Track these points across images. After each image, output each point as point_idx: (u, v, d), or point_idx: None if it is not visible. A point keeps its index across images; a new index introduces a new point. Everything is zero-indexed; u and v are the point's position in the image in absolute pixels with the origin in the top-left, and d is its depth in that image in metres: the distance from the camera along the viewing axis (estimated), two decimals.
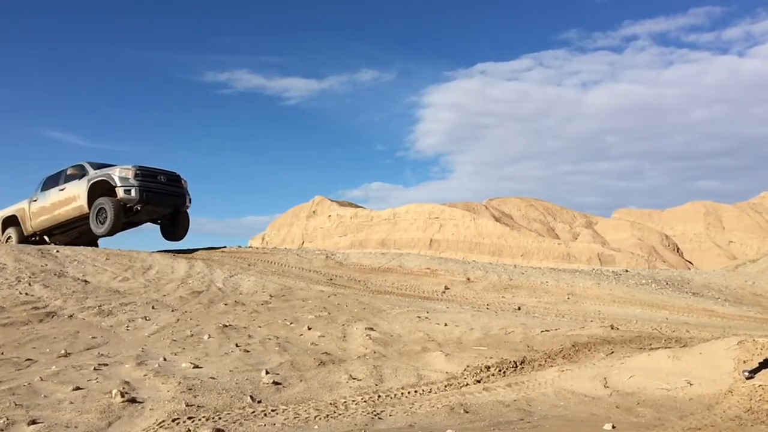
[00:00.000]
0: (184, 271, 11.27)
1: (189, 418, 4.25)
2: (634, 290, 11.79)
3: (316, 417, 4.38)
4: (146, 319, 7.77)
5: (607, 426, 4.05)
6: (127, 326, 7.45)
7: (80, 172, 14.70)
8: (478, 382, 5.39)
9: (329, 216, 73.26)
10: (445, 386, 5.28)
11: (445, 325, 7.68)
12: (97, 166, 14.88)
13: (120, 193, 13.91)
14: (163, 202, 14.67)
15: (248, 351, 6.27)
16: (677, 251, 65.34)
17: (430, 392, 5.11)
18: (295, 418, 4.35)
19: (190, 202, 15.29)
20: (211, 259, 13.03)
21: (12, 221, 16.38)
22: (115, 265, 11.35)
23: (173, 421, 4.19)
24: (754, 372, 4.80)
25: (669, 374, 5.09)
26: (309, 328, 7.37)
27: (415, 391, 5.11)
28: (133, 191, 13.89)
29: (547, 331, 7.39)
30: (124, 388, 4.80)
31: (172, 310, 8.38)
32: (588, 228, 70.79)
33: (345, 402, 4.76)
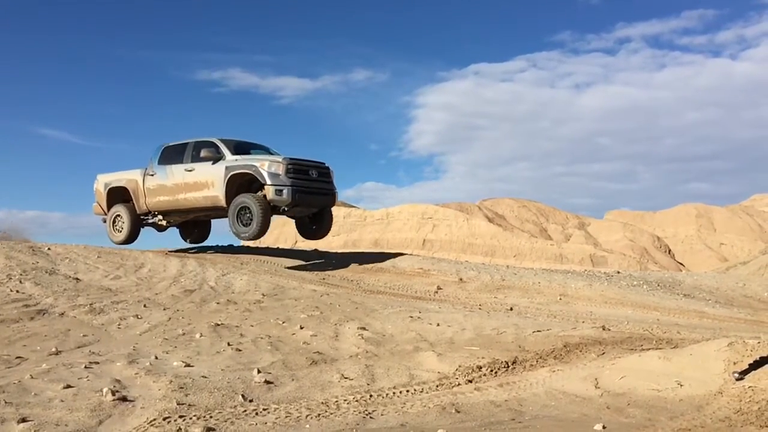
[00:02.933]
0: (176, 269, 11.24)
1: (180, 416, 4.24)
2: (625, 291, 11.83)
3: (307, 416, 4.38)
4: (138, 318, 7.74)
5: (598, 426, 4.06)
6: (119, 324, 7.43)
7: (214, 155, 12.52)
8: (470, 382, 5.40)
9: None
10: (437, 386, 5.29)
11: (438, 325, 7.69)
12: (234, 147, 12.80)
13: (270, 193, 11.84)
14: (313, 203, 12.80)
15: (240, 350, 6.27)
16: (669, 253, 65.64)
17: (421, 392, 5.11)
18: (286, 417, 4.35)
19: (336, 198, 13.48)
20: (204, 258, 13.00)
21: (121, 194, 14.02)
22: (106, 263, 11.31)
23: (164, 419, 4.18)
24: (744, 373, 4.83)
25: (660, 375, 5.12)
26: (301, 327, 7.36)
27: (407, 391, 5.11)
28: (285, 192, 11.82)
29: (539, 331, 7.41)
30: (115, 386, 4.79)
31: (164, 309, 8.35)
32: (580, 229, 71.02)
33: (336, 401, 4.76)
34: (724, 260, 58.30)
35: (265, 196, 11.93)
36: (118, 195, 14.12)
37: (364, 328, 7.40)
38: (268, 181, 11.84)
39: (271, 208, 12.02)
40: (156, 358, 5.82)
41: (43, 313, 7.79)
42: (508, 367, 5.84)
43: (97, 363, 5.57)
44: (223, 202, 12.38)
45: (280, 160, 12.07)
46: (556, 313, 9.37)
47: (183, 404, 4.49)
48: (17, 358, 5.82)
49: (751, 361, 4.95)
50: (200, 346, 6.43)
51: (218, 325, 7.40)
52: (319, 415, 4.41)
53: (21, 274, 9.62)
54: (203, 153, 12.52)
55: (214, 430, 4.03)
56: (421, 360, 6.08)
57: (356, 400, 4.80)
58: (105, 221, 14.23)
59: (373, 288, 11.21)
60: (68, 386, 4.77)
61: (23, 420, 4.03)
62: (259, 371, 5.40)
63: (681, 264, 61.76)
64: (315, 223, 13.61)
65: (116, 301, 8.61)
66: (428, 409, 4.62)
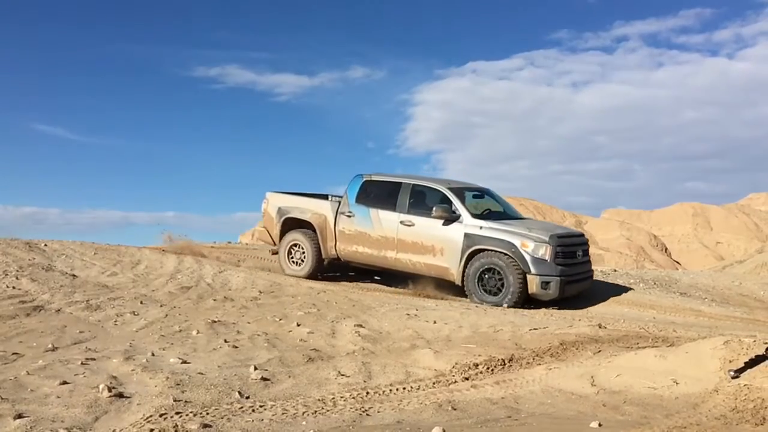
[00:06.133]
0: (173, 266, 11.24)
1: (176, 413, 4.24)
2: (621, 290, 11.85)
3: (304, 413, 4.38)
4: (134, 314, 7.74)
5: (594, 424, 4.07)
6: (115, 321, 7.42)
7: (448, 214, 9.88)
8: (467, 379, 5.41)
9: None
10: (434, 383, 5.29)
11: (434, 322, 7.70)
12: (469, 204, 10.18)
13: (534, 285, 9.34)
14: (574, 291, 9.96)
15: (237, 347, 6.26)
16: (665, 251, 65.77)
17: (418, 389, 5.12)
18: (283, 413, 4.35)
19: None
20: (200, 254, 12.99)
21: (298, 224, 11.35)
22: (103, 259, 11.30)
23: (161, 416, 4.17)
24: (739, 371, 4.84)
25: (655, 373, 5.13)
26: (298, 325, 7.37)
27: (404, 388, 5.12)
28: (552, 285, 9.36)
29: (536, 329, 7.42)
30: (111, 382, 4.78)
31: (161, 306, 8.35)
32: (577, 227, 71.16)
33: (333, 398, 4.76)
34: (720, 259, 58.42)
35: (527, 286, 9.41)
36: (294, 225, 11.47)
37: (360, 326, 7.41)
38: (533, 270, 9.35)
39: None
40: (152, 354, 5.82)
41: (40, 310, 7.78)
42: (505, 364, 5.85)
43: (94, 359, 5.57)
44: (454, 277, 9.93)
45: (546, 239, 9.45)
46: (553, 311, 9.38)
47: (179, 401, 4.49)
48: (13, 354, 5.81)
49: (747, 360, 4.96)
50: (197, 342, 6.42)
51: (215, 322, 7.40)
52: (315, 412, 4.42)
53: (17, 271, 9.61)
54: (435, 211, 9.92)
55: (210, 426, 4.03)
56: (418, 357, 6.08)
57: (353, 397, 4.80)
58: (275, 253, 11.90)
59: (370, 285, 11.22)
60: (64, 382, 4.77)
61: (19, 416, 4.03)
62: (255, 368, 5.41)
63: (677, 262, 61.88)
64: None
65: (113, 298, 8.60)
66: (425, 406, 4.62)
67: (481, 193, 11.07)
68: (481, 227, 9.75)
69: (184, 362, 5.59)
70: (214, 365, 5.54)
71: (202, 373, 5.23)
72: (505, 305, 9.41)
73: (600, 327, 7.62)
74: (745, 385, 4.64)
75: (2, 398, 4.36)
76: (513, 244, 9.46)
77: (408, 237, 10.21)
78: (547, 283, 9.35)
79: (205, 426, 4.00)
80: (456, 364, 5.77)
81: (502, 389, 5.09)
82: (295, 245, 11.34)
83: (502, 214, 10.71)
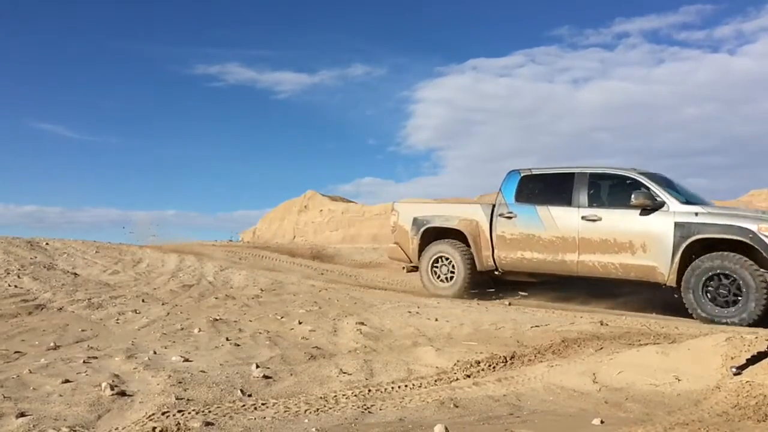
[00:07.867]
0: (175, 264, 11.25)
1: (179, 411, 4.24)
2: None
3: (306, 411, 4.38)
4: (136, 313, 7.75)
5: (596, 421, 4.07)
6: (117, 319, 7.43)
7: (650, 201, 8.27)
8: (468, 376, 5.41)
9: (321, 210, 72.84)
10: (436, 381, 5.29)
11: (436, 320, 7.70)
12: (671, 188, 8.67)
13: None
14: None
15: (239, 345, 6.27)
16: None
17: (420, 386, 5.12)
18: (285, 411, 4.35)
19: None
20: (202, 253, 13.00)
21: (441, 237, 9.95)
22: (105, 258, 11.32)
23: (163, 414, 4.17)
24: (741, 368, 4.84)
25: (657, 370, 5.13)
26: (300, 323, 7.37)
27: (405, 386, 5.12)
28: None
29: (537, 326, 7.42)
30: (113, 381, 4.79)
31: (163, 304, 8.36)
32: None
33: (335, 396, 4.76)
34: None
35: (759, 253, 7.65)
36: (435, 236, 10.08)
37: (362, 323, 7.41)
38: None
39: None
40: (154, 352, 5.83)
41: (42, 308, 7.79)
42: (507, 362, 5.84)
43: (96, 358, 5.57)
44: (664, 278, 8.24)
45: None
46: (554, 308, 9.37)
47: (182, 399, 4.49)
48: (16, 352, 5.82)
49: (749, 356, 4.95)
50: (199, 341, 6.43)
51: (217, 320, 7.40)
52: (317, 409, 4.42)
53: (19, 269, 9.63)
54: (635, 199, 8.28)
55: (212, 424, 4.03)
56: (420, 355, 6.08)
57: (355, 395, 4.80)
58: (411, 270, 10.52)
59: (372, 283, 11.23)
60: (67, 381, 4.77)
61: (22, 414, 4.03)
62: (257, 366, 5.41)
63: None
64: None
65: (114, 296, 8.61)
66: (427, 403, 4.62)
67: (663, 179, 9.11)
68: (696, 213, 8.10)
69: (186, 360, 5.59)
70: (216, 363, 5.54)
71: (204, 371, 5.23)
72: (746, 318, 7.83)
73: (602, 324, 7.61)
74: (747, 381, 4.64)
75: (5, 397, 4.36)
76: (749, 230, 7.64)
77: (594, 234, 8.67)
78: None
79: (208, 424, 4.01)
80: (458, 361, 5.77)
81: (504, 386, 5.09)
82: (440, 258, 9.91)
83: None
